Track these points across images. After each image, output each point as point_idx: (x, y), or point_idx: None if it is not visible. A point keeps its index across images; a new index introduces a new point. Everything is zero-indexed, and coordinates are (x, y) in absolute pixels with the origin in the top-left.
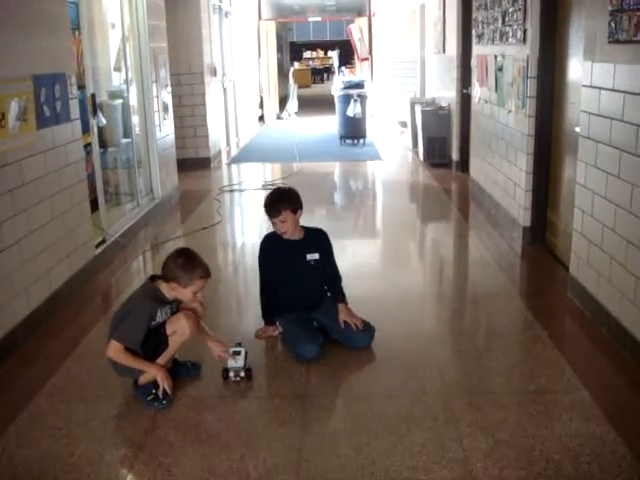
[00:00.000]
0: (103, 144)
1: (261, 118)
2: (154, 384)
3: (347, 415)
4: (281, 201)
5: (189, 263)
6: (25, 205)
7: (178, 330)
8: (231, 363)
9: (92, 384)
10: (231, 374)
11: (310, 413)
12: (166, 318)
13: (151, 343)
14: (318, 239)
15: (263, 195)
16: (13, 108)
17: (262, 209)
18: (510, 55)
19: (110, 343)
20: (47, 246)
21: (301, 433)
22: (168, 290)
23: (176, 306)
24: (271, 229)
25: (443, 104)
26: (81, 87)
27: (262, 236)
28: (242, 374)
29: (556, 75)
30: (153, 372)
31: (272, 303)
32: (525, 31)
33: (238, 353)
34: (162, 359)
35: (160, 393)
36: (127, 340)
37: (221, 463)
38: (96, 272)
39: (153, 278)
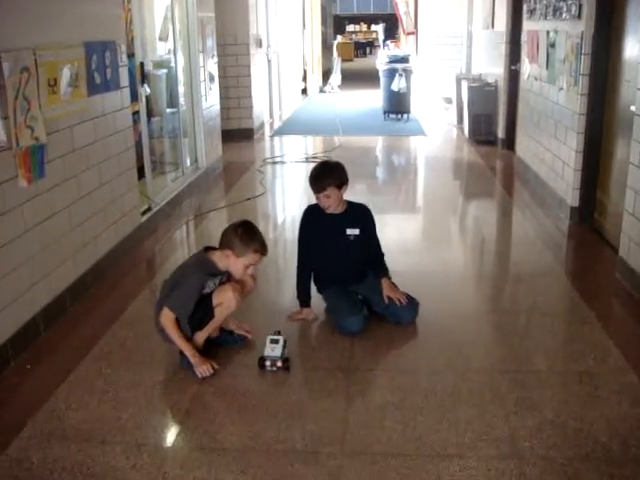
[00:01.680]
0: (148, 113)
1: (304, 91)
2: (200, 352)
3: (392, 389)
4: (326, 176)
5: (248, 234)
6: (75, 171)
7: (224, 302)
8: (268, 351)
9: (138, 350)
10: (267, 363)
11: (354, 386)
12: (214, 288)
13: (198, 313)
14: (360, 215)
15: (306, 168)
16: (65, 74)
17: (305, 182)
18: (563, 31)
19: (163, 310)
20: (95, 212)
21: (346, 405)
22: (220, 258)
23: (226, 277)
24: (313, 201)
25: (490, 80)
26: (129, 55)
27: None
28: (279, 364)
29: (611, 52)
30: (190, 357)
31: (309, 283)
32: (580, 6)
33: (276, 342)
34: (207, 329)
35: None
36: (178, 309)
37: (266, 432)
38: (141, 240)
39: (207, 249)
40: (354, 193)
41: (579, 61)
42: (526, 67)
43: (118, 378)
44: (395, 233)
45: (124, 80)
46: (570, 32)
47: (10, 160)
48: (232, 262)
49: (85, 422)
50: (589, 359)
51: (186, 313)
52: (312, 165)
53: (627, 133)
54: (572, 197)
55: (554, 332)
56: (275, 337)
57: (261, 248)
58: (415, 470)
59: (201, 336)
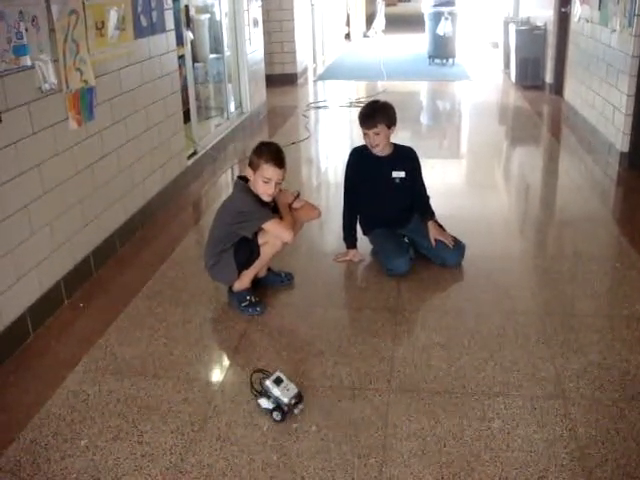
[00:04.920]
0: (193, 59)
1: (347, 36)
2: (249, 291)
3: (438, 329)
4: (378, 113)
5: (260, 147)
6: (122, 114)
7: (270, 240)
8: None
9: (188, 289)
10: (275, 414)
11: (401, 326)
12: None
13: (244, 251)
14: (406, 157)
15: (350, 113)
16: (112, 17)
17: (350, 126)
18: None
19: (265, 231)
20: (142, 155)
21: (392, 344)
22: (251, 181)
23: (272, 208)
24: (359, 144)
25: (539, 23)
26: None
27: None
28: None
29: None
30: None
31: (355, 225)
32: None
33: (279, 381)
34: (254, 268)
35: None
36: (260, 223)
37: (314, 369)
38: (187, 183)
39: (241, 177)
40: (399, 138)
41: (634, 1)
42: (577, 9)
43: (168, 316)
44: (440, 178)
45: (170, 23)
46: None
47: (61, 102)
48: (253, 180)
49: (137, 357)
50: (637, 304)
51: (265, 217)
52: (356, 110)
53: None
54: (622, 142)
55: (601, 276)
56: (274, 376)
57: (272, 158)
58: (461, 407)
59: (248, 275)
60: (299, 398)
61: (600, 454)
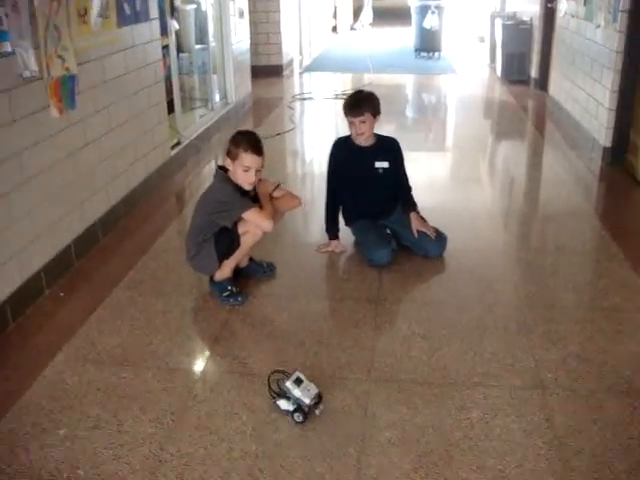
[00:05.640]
0: (177, 49)
1: (334, 28)
2: (230, 281)
3: (419, 320)
4: (365, 102)
5: (236, 135)
6: (105, 103)
7: (250, 230)
8: (292, 399)
9: (169, 279)
10: (296, 415)
11: (382, 316)
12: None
13: (224, 241)
14: (389, 148)
15: (335, 105)
16: (95, 4)
17: (335, 118)
18: None
19: (245, 221)
20: (126, 145)
21: (373, 335)
22: (230, 171)
23: (252, 198)
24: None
25: (525, 18)
26: None
27: None
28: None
29: None
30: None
31: (337, 215)
32: None
33: (299, 381)
34: (234, 258)
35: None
36: (240, 212)
37: (295, 358)
38: (171, 173)
39: (221, 167)
40: (384, 130)
41: None
42: (563, 4)
43: (149, 306)
44: (425, 169)
45: (154, 12)
46: None
47: (42, 90)
48: (233, 170)
49: (118, 347)
50: (616, 296)
51: (245, 207)
52: (342, 102)
53: None
54: (605, 137)
55: (583, 270)
56: (294, 377)
57: (250, 146)
58: (440, 397)
59: (229, 265)
60: (319, 398)
61: (577, 444)
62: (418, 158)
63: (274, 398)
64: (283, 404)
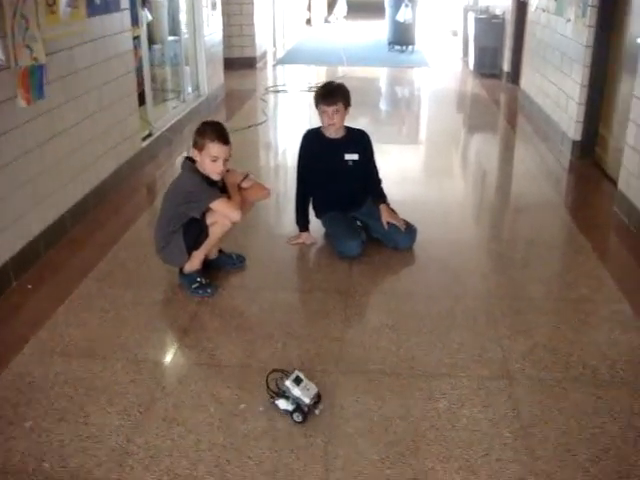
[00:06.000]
0: (149, 40)
1: (308, 21)
2: (199, 273)
3: (388, 312)
4: (338, 92)
5: (203, 125)
6: (75, 93)
7: (218, 220)
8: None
9: (139, 271)
10: (295, 415)
11: (351, 308)
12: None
13: (193, 232)
14: (359, 140)
15: (308, 97)
16: None
17: (307, 110)
18: None
19: (214, 211)
20: (96, 136)
21: (342, 326)
22: (198, 162)
23: (220, 188)
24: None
25: (498, 12)
26: None
27: None
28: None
29: None
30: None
31: (307, 207)
32: None
33: (299, 380)
34: (203, 249)
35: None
36: (208, 202)
37: (263, 350)
38: (142, 165)
39: (188, 158)
40: (358, 123)
41: None
42: None
43: (118, 297)
44: (397, 162)
45: (124, 2)
46: None
47: (9, 80)
48: (200, 160)
49: (86, 339)
50: (583, 288)
51: (212, 197)
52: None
53: (632, 66)
54: (574, 131)
55: (551, 262)
56: (294, 376)
57: (217, 136)
58: (407, 388)
59: (198, 256)
60: (319, 397)
61: (542, 433)
62: (390, 151)
63: (272, 398)
64: (282, 404)
